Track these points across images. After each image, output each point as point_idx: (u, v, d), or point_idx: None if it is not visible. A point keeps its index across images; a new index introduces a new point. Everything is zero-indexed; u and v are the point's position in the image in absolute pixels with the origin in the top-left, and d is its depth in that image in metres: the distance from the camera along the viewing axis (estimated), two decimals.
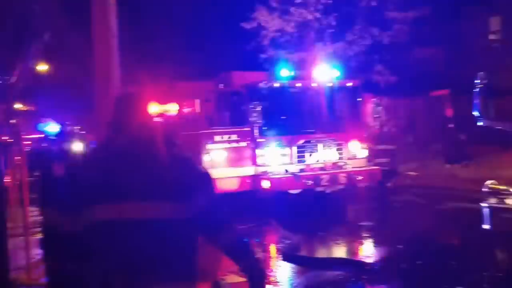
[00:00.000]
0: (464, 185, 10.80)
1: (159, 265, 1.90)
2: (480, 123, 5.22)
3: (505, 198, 5.28)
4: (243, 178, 10.19)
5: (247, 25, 16.12)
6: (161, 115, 2.25)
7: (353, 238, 7.93)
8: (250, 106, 9.95)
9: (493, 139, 10.25)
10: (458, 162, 13.41)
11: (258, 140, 10.08)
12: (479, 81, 5.17)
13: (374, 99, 12.53)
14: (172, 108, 9.56)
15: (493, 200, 5.31)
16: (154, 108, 2.11)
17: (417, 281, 5.62)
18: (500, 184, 5.45)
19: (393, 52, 16.63)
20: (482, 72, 5.19)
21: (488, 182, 5.44)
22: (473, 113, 5.25)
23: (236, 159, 10.30)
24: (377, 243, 7.53)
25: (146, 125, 2.02)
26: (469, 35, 19.70)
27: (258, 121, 9.94)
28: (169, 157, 1.99)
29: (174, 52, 18.19)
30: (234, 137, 10.32)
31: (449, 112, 13.46)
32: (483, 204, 5.30)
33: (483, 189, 5.39)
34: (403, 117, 18.83)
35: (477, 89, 5.11)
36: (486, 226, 5.26)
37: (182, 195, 1.94)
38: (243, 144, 10.29)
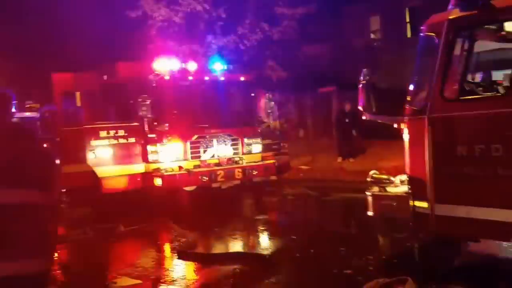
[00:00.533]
0: (353, 177, 11.49)
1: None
2: (364, 117, 5.54)
3: (386, 186, 5.67)
4: (132, 176, 9.79)
5: (132, 13, 15.46)
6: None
7: (250, 231, 8.04)
8: (139, 100, 9.37)
9: (381, 132, 11.08)
10: (351, 156, 14.20)
11: (148, 135, 9.70)
12: (362, 77, 5.46)
13: (267, 94, 12.83)
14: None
15: (376, 189, 5.66)
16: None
17: (311, 268, 5.84)
18: (382, 173, 5.85)
19: (284, 48, 17.11)
20: (365, 69, 5.49)
21: (372, 172, 5.80)
22: (358, 107, 5.55)
23: (124, 156, 9.85)
24: (272, 235, 7.71)
25: None
26: (352, 33, 21.04)
27: (148, 116, 9.40)
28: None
29: (52, 42, 16.95)
30: (121, 132, 9.83)
31: (347, 107, 14.17)
32: (367, 193, 5.64)
33: (367, 179, 5.72)
34: (294, 112, 19.58)
35: (361, 85, 5.40)
36: (370, 213, 5.60)
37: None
38: (132, 140, 9.87)
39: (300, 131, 19.26)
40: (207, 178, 9.66)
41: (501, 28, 5.05)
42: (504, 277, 4.90)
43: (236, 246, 7.28)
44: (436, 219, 4.91)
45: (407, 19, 5.18)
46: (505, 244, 5.52)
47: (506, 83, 4.81)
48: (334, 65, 19.19)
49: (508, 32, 5.06)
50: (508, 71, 4.72)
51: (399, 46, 16.15)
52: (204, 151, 10.12)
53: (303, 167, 14.67)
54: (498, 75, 6.12)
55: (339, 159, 14.26)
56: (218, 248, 7.21)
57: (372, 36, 21.78)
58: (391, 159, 10.97)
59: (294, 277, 5.61)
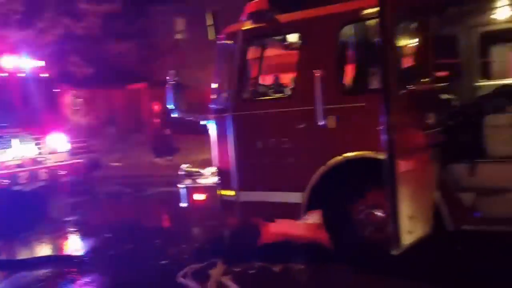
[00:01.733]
0: (166, 172, 11.80)
1: None
2: (175, 115, 5.87)
3: (197, 179, 6.11)
4: None
5: None
6: None
7: (59, 234, 7.70)
8: None
9: (193, 128, 11.57)
10: (166, 155, 14.40)
11: None
12: (170, 77, 5.78)
13: (73, 91, 12.26)
14: None
15: (188, 181, 6.07)
16: None
17: (126, 263, 5.95)
18: (193, 167, 6.28)
19: (89, 44, 16.48)
20: (172, 70, 5.83)
21: (183, 166, 6.18)
22: (167, 106, 5.85)
23: None
24: (85, 236, 7.55)
25: None
26: (159, 32, 21.25)
27: None
28: None
29: None
30: None
31: (155, 106, 14.27)
32: (180, 186, 6.00)
33: (179, 173, 6.09)
34: (103, 109, 18.98)
35: (169, 85, 5.72)
36: (183, 205, 5.98)
37: None
38: None
39: (109, 128, 18.77)
40: (8, 181, 8.85)
41: (285, 39, 5.94)
42: (299, 252, 5.79)
43: (45, 250, 6.94)
44: (240, 205, 5.54)
45: (209, 23, 5.68)
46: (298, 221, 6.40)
47: (291, 86, 5.66)
48: (142, 63, 19.17)
49: (291, 42, 5.98)
50: (292, 75, 5.56)
51: (204, 47, 16.98)
52: (4, 152, 9.24)
53: (115, 164, 14.42)
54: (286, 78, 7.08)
55: (156, 159, 14.35)
56: (24, 254, 6.77)
57: (178, 36, 22.35)
58: (203, 153, 11.63)
59: (110, 274, 5.66)
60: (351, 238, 5.00)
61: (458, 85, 5.97)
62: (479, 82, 6.15)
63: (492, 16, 5.82)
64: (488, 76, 6.16)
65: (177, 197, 6.08)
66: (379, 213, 4.85)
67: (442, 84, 4.86)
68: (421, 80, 4.56)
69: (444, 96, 5.18)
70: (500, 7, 5.50)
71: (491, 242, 5.14)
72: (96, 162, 13.30)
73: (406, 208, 4.03)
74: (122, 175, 13.18)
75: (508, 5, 5.36)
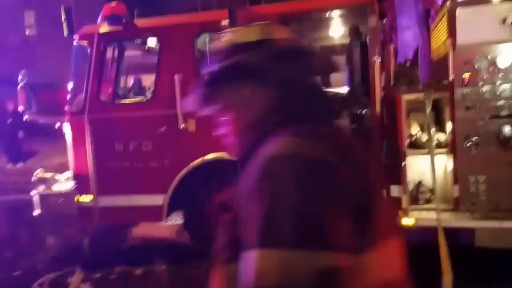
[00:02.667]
0: (17, 178, 10.86)
1: None
2: (26, 118, 5.55)
3: (52, 185, 5.85)
4: None
5: None
6: None
7: None
8: None
9: (49, 131, 10.80)
10: (19, 159, 13.18)
11: None
12: (20, 78, 5.46)
13: None
14: None
15: (42, 188, 5.77)
16: None
17: None
18: (48, 172, 5.98)
19: None
20: (23, 70, 5.51)
21: (37, 171, 5.86)
22: (18, 108, 5.51)
23: None
24: None
25: None
26: (7, 27, 19.42)
27: None
28: None
29: None
30: None
31: (9, 107, 12.96)
32: (33, 193, 5.68)
33: (33, 179, 5.76)
34: None
35: (20, 86, 5.40)
36: (37, 212, 5.67)
37: None
38: None
39: None
40: None
41: (145, 42, 5.99)
42: (161, 254, 5.84)
43: None
44: (100, 210, 5.45)
45: (63, 18, 5.46)
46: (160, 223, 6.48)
47: (151, 89, 5.74)
48: None
49: (150, 47, 6.04)
50: (152, 79, 5.64)
51: (58, 44, 15.98)
52: None
53: None
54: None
55: (9, 165, 13.06)
56: None
57: (28, 32, 20.67)
58: (60, 157, 10.97)
59: None
60: (209, 235, 5.23)
61: None
62: None
63: (328, 33, 6.58)
64: (325, 86, 6.92)
65: (30, 205, 5.74)
66: None
67: None
68: None
69: None
70: (333, 25, 6.20)
71: None
72: None
73: None
74: None
75: (340, 23, 6.08)
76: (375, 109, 4.69)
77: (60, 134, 5.77)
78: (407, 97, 4.47)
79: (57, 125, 5.83)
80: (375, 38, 4.77)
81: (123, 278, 5.15)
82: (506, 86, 4.19)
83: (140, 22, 5.34)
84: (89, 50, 5.34)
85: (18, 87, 5.36)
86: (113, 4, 5.25)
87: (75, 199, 5.53)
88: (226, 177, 4.98)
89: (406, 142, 4.49)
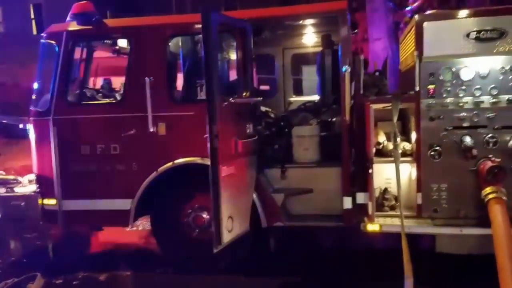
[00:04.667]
0: None
1: None
2: None
3: (14, 187, 5.67)
4: None
5: None
6: None
7: None
8: None
9: (11, 131, 10.46)
10: None
11: None
12: None
13: None
14: None
15: (2, 190, 5.59)
16: None
17: None
18: (10, 174, 5.80)
19: None
20: None
21: None
22: None
23: None
24: None
25: None
26: None
27: None
28: None
29: None
30: None
31: None
32: None
33: None
34: None
35: None
36: None
37: None
38: None
39: None
40: None
41: (116, 42, 5.90)
42: (126, 259, 5.74)
43: None
44: (63, 214, 5.31)
45: (32, 15, 5.32)
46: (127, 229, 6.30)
47: (121, 91, 5.64)
48: None
49: (121, 47, 5.96)
50: (121, 81, 5.55)
51: (26, 41, 15.59)
52: None
53: None
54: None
55: None
56: None
57: None
58: (21, 158, 10.62)
59: None
60: (178, 240, 5.19)
61: (275, 99, 6.71)
62: (292, 97, 6.99)
63: (302, 41, 6.67)
64: (298, 93, 7.05)
65: None
66: (204, 215, 5.14)
67: (260, 98, 5.38)
68: (243, 93, 4.99)
69: (262, 109, 5.74)
70: (307, 33, 6.32)
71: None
72: None
73: (226, 210, 4.37)
74: None
75: (313, 32, 6.18)
76: (345, 117, 4.75)
77: (23, 135, 5.61)
78: (375, 106, 4.55)
79: (21, 125, 5.66)
80: (347, 48, 4.84)
81: (86, 283, 5.03)
82: (468, 98, 4.33)
83: (111, 21, 5.26)
84: (57, 49, 5.21)
85: None
86: (83, 2, 5.15)
87: (38, 202, 5.37)
88: (196, 182, 4.99)
89: (373, 150, 4.57)
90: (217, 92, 4.29)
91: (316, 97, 6.46)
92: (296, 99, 6.87)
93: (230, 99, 4.56)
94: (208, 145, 4.24)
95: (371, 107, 4.52)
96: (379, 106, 4.59)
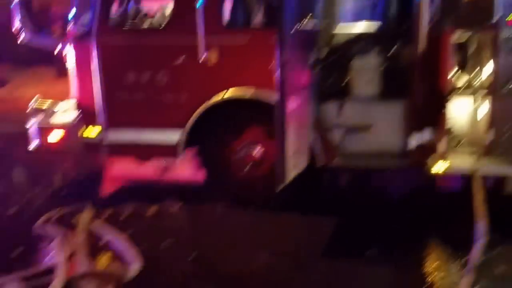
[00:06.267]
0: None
1: None
2: (23, 39, 4.96)
3: (50, 116, 5.36)
4: None
5: None
6: None
7: None
8: None
9: (22, 57, 9.88)
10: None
11: None
12: None
13: None
14: None
15: (39, 119, 5.29)
16: None
17: None
18: (43, 102, 5.47)
19: None
20: None
21: (32, 101, 5.36)
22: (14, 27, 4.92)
23: None
24: None
25: None
26: None
27: None
28: None
29: None
30: None
31: None
32: (30, 125, 5.22)
33: (28, 110, 5.28)
34: None
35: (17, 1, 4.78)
36: (34, 147, 5.25)
37: None
38: None
39: None
40: None
41: None
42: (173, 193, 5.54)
43: None
44: (108, 144, 5.04)
45: None
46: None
47: (168, 16, 5.12)
48: None
49: None
50: (169, 5, 5.06)
51: None
52: None
53: None
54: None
55: None
56: None
57: None
58: (39, 86, 10.08)
59: None
60: (228, 175, 5.00)
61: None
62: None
63: None
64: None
65: (24, 139, 5.26)
66: (257, 150, 4.91)
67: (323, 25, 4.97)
68: (307, 20, 4.59)
69: (322, 37, 5.29)
70: None
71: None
72: None
73: (292, 145, 4.14)
74: None
75: None
76: (417, 48, 4.39)
77: (40, 61, 5.20)
78: (454, 36, 4.20)
79: (57, 50, 5.24)
80: None
81: (135, 216, 4.85)
82: None
83: None
84: None
85: (15, 2, 4.71)
86: None
87: (79, 133, 5.09)
88: (249, 115, 4.72)
89: (449, 84, 4.27)
90: (288, 17, 3.91)
91: (375, 24, 5.84)
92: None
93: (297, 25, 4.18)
94: (276, 75, 3.92)
95: (450, 37, 4.17)
96: (456, 35, 4.24)
